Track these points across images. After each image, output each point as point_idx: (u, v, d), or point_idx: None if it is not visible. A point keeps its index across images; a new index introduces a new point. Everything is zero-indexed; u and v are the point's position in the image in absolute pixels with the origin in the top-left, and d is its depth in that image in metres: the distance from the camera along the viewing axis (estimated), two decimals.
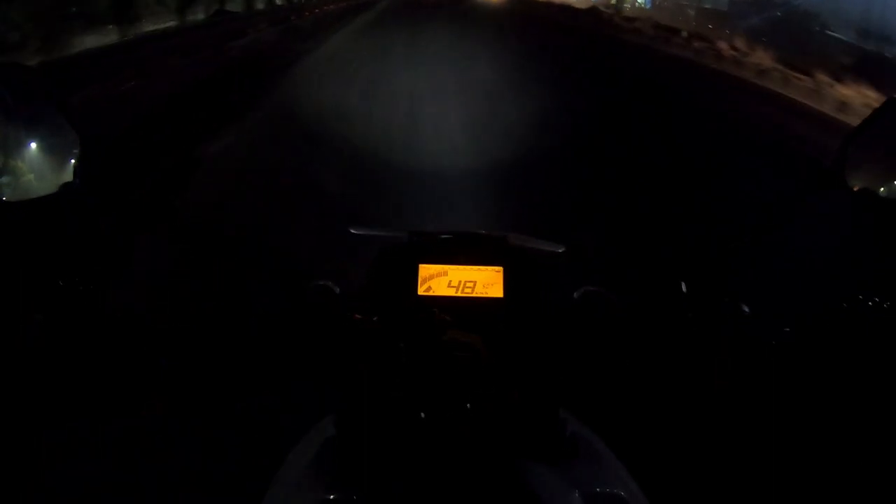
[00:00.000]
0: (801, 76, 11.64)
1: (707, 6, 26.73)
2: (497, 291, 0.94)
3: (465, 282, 0.94)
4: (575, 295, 0.95)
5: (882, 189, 0.85)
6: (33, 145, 0.76)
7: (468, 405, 0.78)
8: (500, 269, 0.95)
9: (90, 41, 9.16)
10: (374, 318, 0.89)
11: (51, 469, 1.96)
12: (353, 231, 1.00)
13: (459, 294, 0.94)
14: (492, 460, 0.78)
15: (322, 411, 0.91)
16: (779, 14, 19.37)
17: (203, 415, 2.01)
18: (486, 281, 0.95)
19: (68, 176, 0.76)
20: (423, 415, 0.79)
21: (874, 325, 0.87)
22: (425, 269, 0.94)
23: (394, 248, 0.97)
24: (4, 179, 0.75)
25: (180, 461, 2.04)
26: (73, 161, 0.76)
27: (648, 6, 35.67)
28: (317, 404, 0.92)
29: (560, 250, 1.00)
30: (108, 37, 9.98)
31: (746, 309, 0.89)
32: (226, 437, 2.09)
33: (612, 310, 0.95)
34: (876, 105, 0.86)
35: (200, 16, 14.01)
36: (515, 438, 0.81)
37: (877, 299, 0.86)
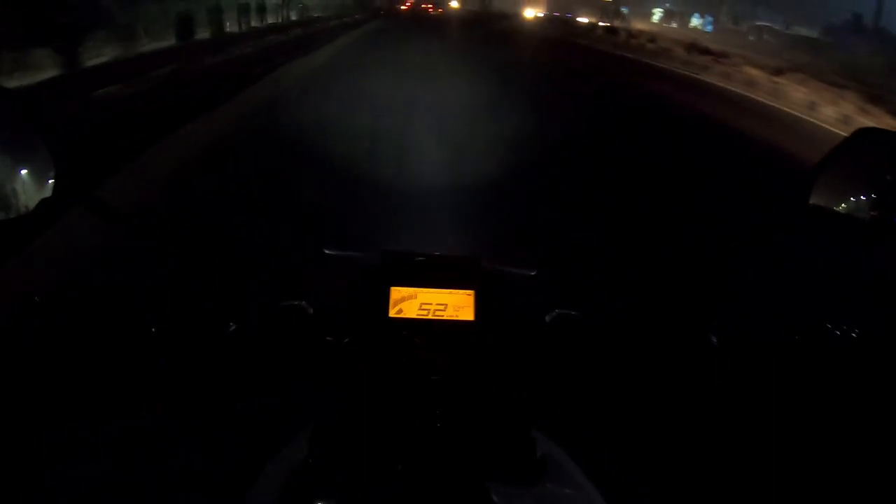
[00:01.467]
0: None
1: (791, 31, 22.52)
2: (468, 314, 0.94)
3: (437, 304, 0.94)
4: (547, 318, 0.96)
5: (842, 206, 0.89)
6: (13, 166, 0.80)
7: (438, 426, 0.79)
8: (472, 292, 0.95)
9: None
10: (346, 340, 0.90)
11: (51, 469, 1.96)
12: (326, 251, 1.01)
13: (430, 317, 0.94)
14: (463, 481, 0.78)
15: (321, 413, 0.91)
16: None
17: (203, 415, 2.01)
18: (457, 304, 0.95)
19: (47, 192, 0.79)
20: (393, 435, 0.79)
21: (842, 352, 0.89)
22: (397, 292, 0.95)
23: (366, 269, 0.98)
24: None
25: (180, 461, 2.04)
26: (50, 181, 0.79)
27: (709, 29, 31.28)
28: (316, 404, 0.92)
29: (532, 273, 1.01)
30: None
31: (714, 339, 0.90)
32: (226, 437, 2.09)
33: (583, 332, 0.96)
34: None
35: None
36: (487, 459, 0.81)
37: (844, 327, 0.88)
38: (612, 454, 1.82)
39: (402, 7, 54.45)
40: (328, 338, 0.90)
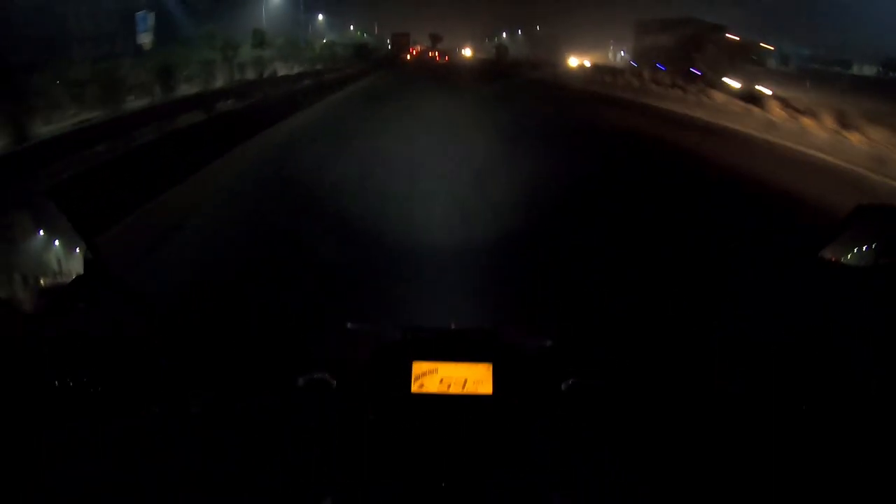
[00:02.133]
0: None
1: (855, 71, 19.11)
2: (487, 388, 0.97)
3: (456, 378, 0.97)
4: (563, 387, 0.98)
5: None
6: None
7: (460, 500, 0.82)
8: (490, 365, 0.98)
9: None
10: (371, 417, 0.93)
11: (51, 469, 1.96)
12: (349, 326, 1.04)
13: (451, 391, 0.97)
14: None
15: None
16: None
17: (203, 415, 2.01)
18: (476, 378, 0.97)
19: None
20: None
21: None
22: (418, 367, 0.97)
23: (388, 345, 1.01)
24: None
25: (180, 461, 2.04)
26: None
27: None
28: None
29: (548, 343, 1.04)
30: None
31: (739, 389, 0.93)
32: (225, 437, 2.09)
33: (600, 399, 0.98)
34: None
35: None
36: None
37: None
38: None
39: (407, 56, 51.98)
40: (355, 414, 0.94)
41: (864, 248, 1.00)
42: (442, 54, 57.98)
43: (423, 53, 60.00)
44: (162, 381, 0.91)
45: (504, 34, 69.68)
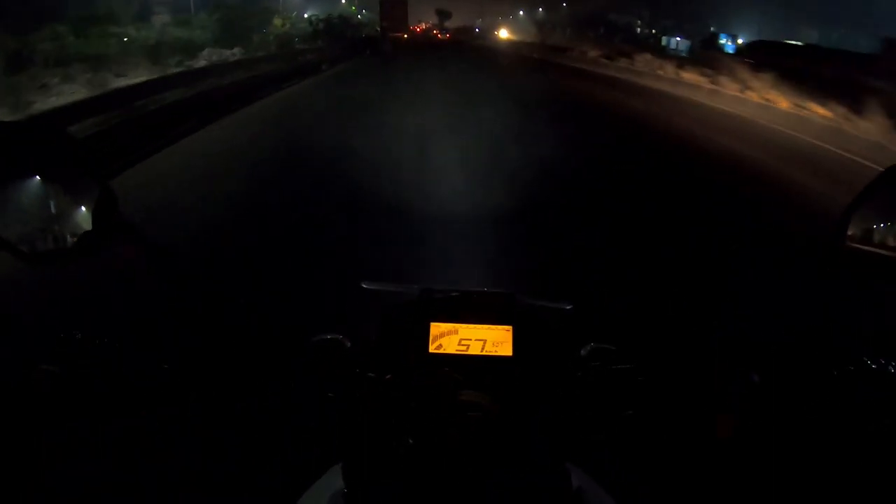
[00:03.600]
0: None
1: None
2: (506, 350, 0.96)
3: (475, 340, 0.97)
4: (582, 352, 0.97)
5: (880, 247, 0.86)
6: (60, 204, 0.84)
7: (476, 462, 0.81)
8: (510, 328, 0.97)
9: None
10: (388, 377, 0.92)
11: (51, 469, 1.96)
12: (364, 286, 1.02)
13: (469, 352, 0.96)
14: None
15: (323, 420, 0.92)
16: None
17: (203, 415, 2.01)
18: (495, 339, 0.97)
19: (87, 225, 0.83)
20: (430, 471, 0.81)
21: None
22: (436, 327, 0.97)
23: (405, 305, 0.99)
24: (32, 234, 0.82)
25: (180, 461, 2.04)
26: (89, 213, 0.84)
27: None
28: (350, 434, 0.93)
29: (568, 308, 1.03)
30: None
31: (756, 378, 0.91)
32: (226, 437, 2.09)
33: (618, 366, 0.97)
34: None
35: None
36: (523, 494, 0.82)
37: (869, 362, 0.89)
38: (644, 485, 1.81)
39: (403, 35, 39.14)
40: (369, 373, 0.92)
41: None
42: (442, 32, 48.47)
43: (426, 32, 50.26)
44: (166, 382, 0.91)
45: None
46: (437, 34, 49.17)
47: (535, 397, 0.94)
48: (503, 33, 46.05)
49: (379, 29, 37.49)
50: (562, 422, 0.93)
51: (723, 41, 30.83)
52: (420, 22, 54.01)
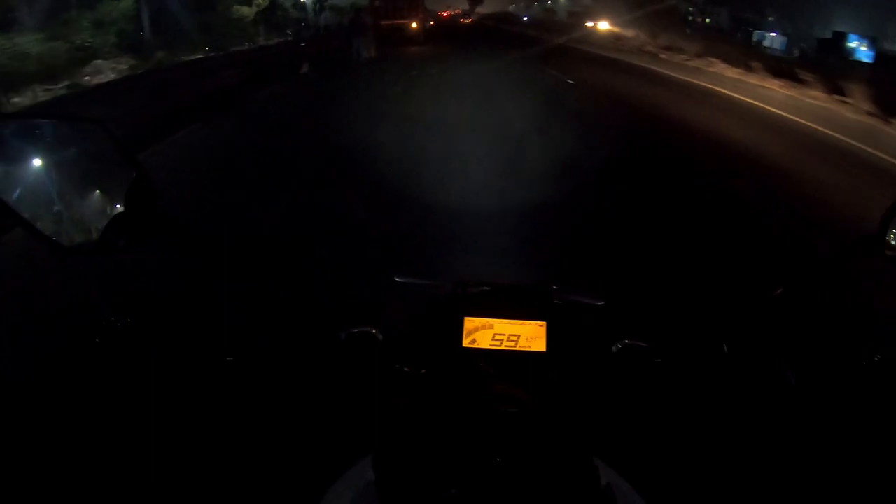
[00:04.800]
0: None
1: None
2: (540, 345, 0.97)
3: (509, 335, 0.97)
4: (613, 348, 0.98)
5: None
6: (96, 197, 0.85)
7: (507, 457, 0.80)
8: (544, 323, 0.97)
9: None
10: (422, 371, 0.92)
11: (51, 469, 1.94)
12: (397, 279, 1.02)
13: (503, 347, 0.96)
14: None
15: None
16: None
17: (234, 406, 2.00)
18: (529, 335, 0.97)
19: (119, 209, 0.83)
20: (462, 466, 0.80)
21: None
22: (470, 322, 0.97)
23: (438, 299, 1.00)
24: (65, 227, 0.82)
25: (184, 460, 2.02)
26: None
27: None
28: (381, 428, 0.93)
29: (600, 303, 1.03)
30: None
31: (792, 379, 0.91)
32: (258, 426, 2.06)
33: (649, 363, 0.97)
34: None
35: None
36: (553, 489, 0.82)
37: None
38: (673, 482, 1.80)
39: (412, 25, 20.99)
40: (403, 367, 0.92)
41: None
42: (465, 14, 40.24)
43: (454, 18, 42.93)
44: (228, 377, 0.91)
45: None
46: (461, 20, 42.96)
47: (567, 394, 0.94)
48: (603, 25, 29.17)
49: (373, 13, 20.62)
50: (592, 418, 0.93)
51: (852, 44, 20.59)
52: (449, 7, 46.55)
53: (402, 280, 1.02)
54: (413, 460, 0.82)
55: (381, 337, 0.96)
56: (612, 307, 1.01)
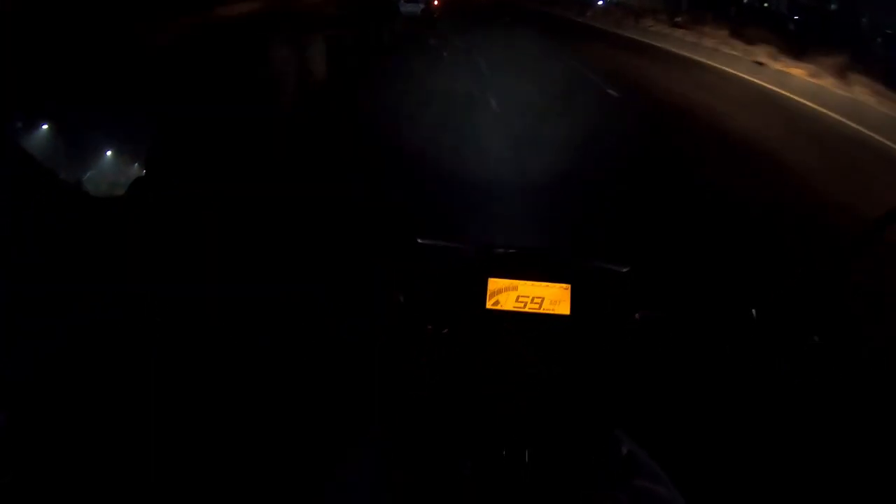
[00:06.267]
0: None
1: None
2: (564, 308, 0.96)
3: (533, 297, 0.96)
4: (637, 316, 0.97)
5: None
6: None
7: (529, 418, 0.81)
8: (568, 286, 0.96)
9: None
10: (445, 331, 0.92)
11: (50, 468, 1.93)
12: (419, 241, 1.03)
13: (526, 309, 0.96)
14: (549, 478, 0.80)
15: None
16: None
17: (207, 413, 1.98)
18: (553, 297, 0.96)
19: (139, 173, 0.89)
20: (483, 425, 0.81)
21: None
22: (494, 283, 0.96)
23: (463, 260, 1.00)
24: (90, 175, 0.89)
25: (188, 459, 2.00)
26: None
27: None
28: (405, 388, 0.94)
29: (624, 270, 1.02)
30: None
31: (817, 339, 0.91)
32: (231, 436, 2.05)
33: (672, 333, 0.97)
34: None
35: None
36: (573, 457, 0.82)
37: None
38: (692, 454, 1.79)
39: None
40: (429, 327, 0.93)
41: None
42: None
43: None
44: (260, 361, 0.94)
45: None
46: None
47: (589, 359, 0.93)
48: None
49: None
50: (614, 387, 0.92)
51: None
52: None
53: (424, 242, 1.02)
54: (431, 422, 0.82)
55: (402, 298, 0.96)
56: (637, 274, 1.01)
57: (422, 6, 18.39)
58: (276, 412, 2.06)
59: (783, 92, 11.50)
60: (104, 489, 1.92)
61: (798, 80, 12.11)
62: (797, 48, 13.32)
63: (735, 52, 14.71)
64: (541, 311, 0.96)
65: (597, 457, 0.83)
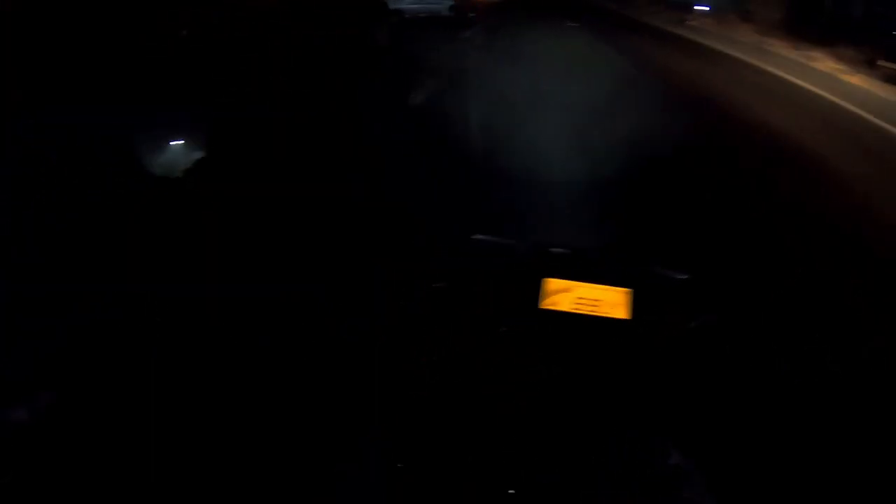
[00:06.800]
0: None
1: None
2: (622, 313, 0.93)
3: (591, 300, 0.94)
4: (693, 324, 0.95)
5: None
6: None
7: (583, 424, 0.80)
8: (629, 291, 0.95)
9: None
10: (503, 329, 0.91)
11: (50, 468, 1.92)
12: (475, 238, 1.02)
13: (583, 311, 0.93)
14: (594, 482, 0.78)
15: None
16: None
17: (209, 412, 1.98)
18: (612, 301, 0.94)
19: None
20: (540, 425, 0.80)
21: None
22: (550, 284, 0.94)
23: (519, 258, 0.99)
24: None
25: (184, 460, 1.99)
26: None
27: None
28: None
29: (684, 277, 1.00)
30: None
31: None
32: (236, 435, 2.04)
33: (725, 341, 0.98)
34: None
35: None
36: (623, 465, 0.81)
37: None
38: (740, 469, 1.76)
39: None
40: (480, 324, 0.91)
41: None
42: None
43: None
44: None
45: None
46: None
47: (648, 365, 0.90)
48: None
49: None
50: (667, 396, 0.90)
51: None
52: None
53: (480, 238, 1.01)
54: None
55: (453, 293, 0.95)
56: (696, 282, 0.99)
57: (450, 2, 12.62)
58: (276, 412, 2.05)
59: None
60: (105, 489, 1.91)
61: None
62: None
63: None
64: (598, 313, 0.93)
65: (644, 466, 0.81)
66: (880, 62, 9.63)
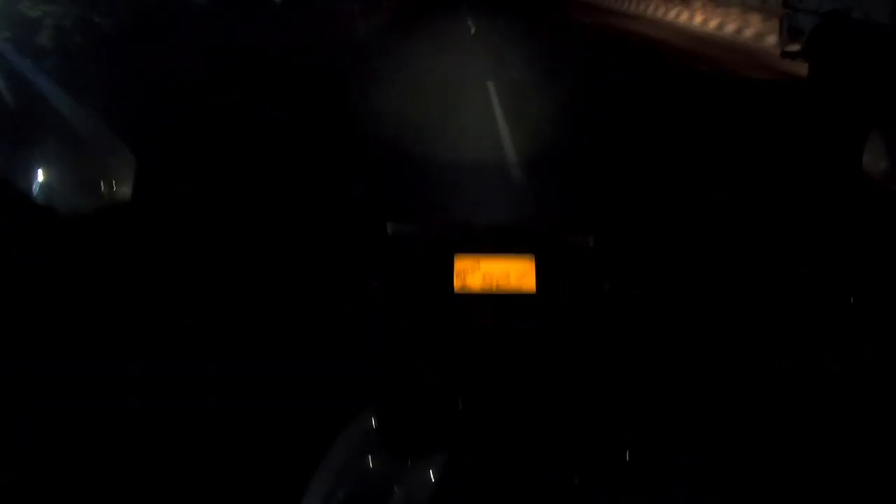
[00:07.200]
0: None
1: None
2: (530, 283, 0.93)
3: (499, 273, 0.94)
4: (606, 287, 0.94)
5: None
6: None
7: (504, 403, 0.82)
8: (532, 257, 0.94)
9: None
10: (417, 318, 0.91)
11: (49, 468, 1.92)
12: (389, 228, 1.01)
13: (494, 288, 0.94)
14: (544, 466, 0.80)
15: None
16: None
17: (210, 411, 1.98)
18: (519, 271, 0.94)
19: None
20: (461, 410, 0.82)
21: None
22: (460, 262, 0.95)
23: (430, 239, 0.98)
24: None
25: (183, 460, 1.99)
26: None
27: None
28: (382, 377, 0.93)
29: (590, 242, 0.99)
30: None
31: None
32: (231, 435, 2.05)
33: (637, 306, 0.95)
34: None
35: None
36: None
37: None
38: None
39: None
40: (396, 314, 0.92)
41: None
42: None
43: None
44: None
45: None
46: None
47: (560, 337, 0.90)
48: None
49: None
50: (586, 370, 0.90)
51: None
52: None
53: (394, 229, 1.00)
54: (414, 411, 0.82)
55: (376, 284, 0.95)
56: (604, 246, 0.97)
57: None
58: (276, 411, 2.05)
59: None
60: (104, 489, 1.92)
61: None
62: None
63: None
64: (508, 289, 0.93)
65: (603, 459, 0.81)
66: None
